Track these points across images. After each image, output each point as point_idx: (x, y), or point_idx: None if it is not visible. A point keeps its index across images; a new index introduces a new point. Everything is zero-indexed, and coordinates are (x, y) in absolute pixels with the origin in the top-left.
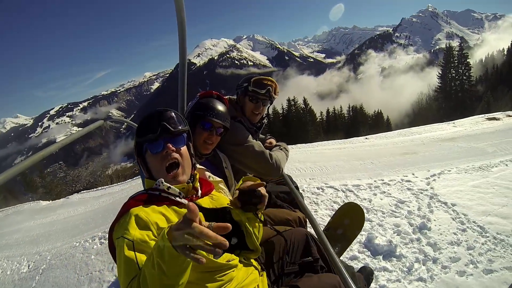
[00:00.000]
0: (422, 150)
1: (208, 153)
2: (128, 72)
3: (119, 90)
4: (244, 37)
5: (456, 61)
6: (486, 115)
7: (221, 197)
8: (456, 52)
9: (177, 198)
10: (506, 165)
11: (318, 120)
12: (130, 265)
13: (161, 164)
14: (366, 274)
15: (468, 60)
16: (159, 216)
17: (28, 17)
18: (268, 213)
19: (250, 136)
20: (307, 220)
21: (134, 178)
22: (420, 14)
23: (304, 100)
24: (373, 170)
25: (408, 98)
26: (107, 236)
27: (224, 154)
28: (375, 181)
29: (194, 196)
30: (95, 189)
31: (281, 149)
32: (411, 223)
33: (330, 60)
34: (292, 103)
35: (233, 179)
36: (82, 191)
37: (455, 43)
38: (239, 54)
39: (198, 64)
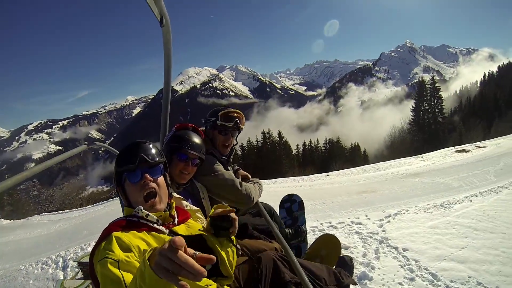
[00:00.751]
0: (382, 187)
1: (185, 183)
2: (111, 93)
3: (100, 111)
4: (227, 66)
5: (429, 95)
6: (456, 147)
7: (196, 225)
8: (429, 86)
9: (155, 225)
10: (471, 200)
11: (294, 153)
12: (117, 284)
13: (139, 193)
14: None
15: (440, 93)
16: (140, 241)
17: (13, 30)
18: (245, 243)
19: (221, 166)
20: (283, 251)
21: (101, 202)
22: (399, 49)
23: (279, 133)
24: (323, 211)
25: (387, 130)
26: (49, 261)
27: (201, 183)
28: (321, 223)
29: (170, 223)
30: (56, 212)
31: (254, 183)
32: None
33: (311, 93)
34: (267, 135)
35: (210, 208)
36: (43, 213)
37: (428, 77)
38: (221, 83)
39: (180, 92)
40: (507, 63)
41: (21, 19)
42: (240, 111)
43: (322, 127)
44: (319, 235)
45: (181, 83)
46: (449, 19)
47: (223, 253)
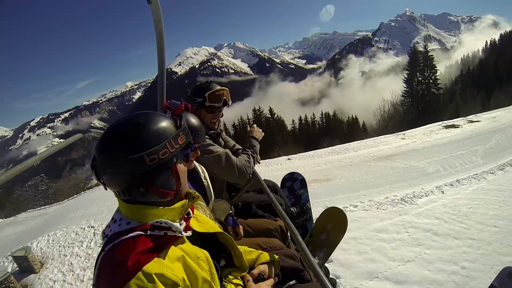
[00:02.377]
0: (341, 174)
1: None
2: (110, 82)
3: (101, 100)
4: (225, 44)
5: (421, 64)
6: (444, 122)
7: (206, 219)
8: (422, 56)
9: (182, 233)
10: (442, 192)
11: (289, 129)
12: None
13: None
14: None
15: (434, 63)
16: (180, 267)
17: (8, 28)
18: (249, 223)
19: (213, 144)
20: (287, 229)
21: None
22: (398, 19)
23: (270, 110)
24: None
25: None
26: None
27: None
28: None
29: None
30: (38, 208)
31: (248, 154)
32: None
33: (311, 66)
34: (258, 113)
35: (212, 190)
36: (28, 210)
37: (432, 46)
38: (220, 62)
39: (179, 73)
40: (510, 31)
41: (13, 13)
42: (224, 88)
43: (323, 100)
44: None
45: (180, 65)
46: None
47: (235, 249)
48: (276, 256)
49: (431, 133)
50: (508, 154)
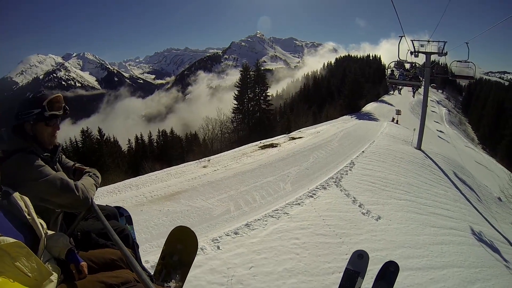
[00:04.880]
0: None
1: None
2: None
3: None
4: (74, 54)
5: (253, 82)
6: (263, 141)
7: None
8: (253, 73)
9: None
10: (218, 247)
11: (124, 150)
12: None
13: None
14: None
15: (265, 80)
16: None
17: None
18: (90, 256)
19: (47, 167)
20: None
21: None
22: (249, 39)
23: (99, 130)
24: None
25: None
26: None
27: (23, 194)
28: None
29: None
30: None
31: (91, 175)
32: None
33: (159, 81)
34: (87, 134)
35: (41, 226)
36: None
37: (278, 65)
38: (67, 74)
39: (20, 84)
40: (343, 56)
41: None
42: (59, 94)
43: (170, 115)
44: None
45: (22, 74)
46: (297, 15)
47: None
48: None
49: (242, 156)
50: (324, 173)
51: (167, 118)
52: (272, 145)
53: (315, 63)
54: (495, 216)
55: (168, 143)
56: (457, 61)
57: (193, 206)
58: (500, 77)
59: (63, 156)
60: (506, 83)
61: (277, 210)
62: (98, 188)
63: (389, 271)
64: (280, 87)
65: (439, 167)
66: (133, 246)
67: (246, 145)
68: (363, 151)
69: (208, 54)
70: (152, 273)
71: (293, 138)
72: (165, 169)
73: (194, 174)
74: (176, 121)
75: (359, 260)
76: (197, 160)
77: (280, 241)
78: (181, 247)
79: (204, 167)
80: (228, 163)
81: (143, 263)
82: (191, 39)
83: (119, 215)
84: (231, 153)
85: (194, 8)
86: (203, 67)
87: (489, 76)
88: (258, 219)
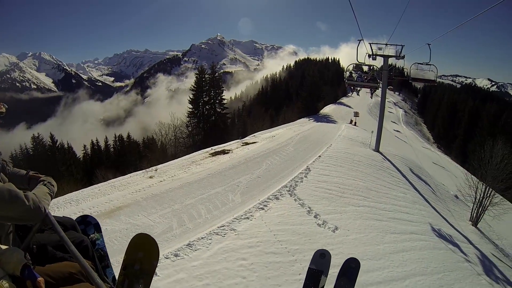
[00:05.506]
0: None
1: None
2: None
3: None
4: (30, 54)
5: (208, 85)
6: (214, 148)
7: None
8: (208, 76)
9: None
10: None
11: (79, 156)
12: None
13: None
14: None
15: (220, 83)
16: None
17: None
18: (47, 270)
19: None
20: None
21: None
22: (209, 42)
23: (51, 136)
24: None
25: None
26: None
27: None
28: None
29: None
30: None
31: (45, 184)
32: None
33: (119, 84)
34: (38, 140)
35: None
36: None
37: (238, 68)
38: (21, 74)
39: None
40: (302, 59)
41: None
42: None
43: (129, 119)
44: None
45: None
46: (259, 18)
47: None
48: None
49: (191, 165)
50: (277, 182)
51: (126, 122)
52: (224, 152)
53: (274, 65)
54: (453, 215)
55: (125, 148)
56: (418, 63)
57: (133, 223)
58: (452, 80)
59: (11, 165)
60: (458, 86)
61: (223, 226)
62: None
63: (351, 267)
64: (239, 90)
65: (397, 169)
66: (93, 257)
67: (196, 152)
68: (319, 156)
69: (168, 57)
70: (114, 285)
71: (247, 144)
72: (110, 181)
73: (139, 185)
74: (135, 125)
75: (321, 259)
76: (144, 170)
77: (225, 263)
78: (142, 255)
79: (150, 177)
80: (175, 173)
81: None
82: (151, 41)
83: (87, 223)
84: (180, 162)
85: (155, 9)
86: (162, 69)
87: (442, 79)
88: (202, 238)
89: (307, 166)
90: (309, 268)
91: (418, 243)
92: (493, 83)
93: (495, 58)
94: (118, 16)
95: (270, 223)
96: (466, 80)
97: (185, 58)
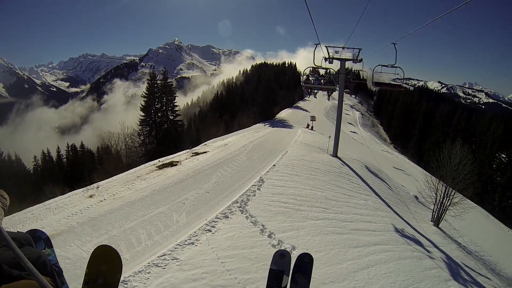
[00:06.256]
0: None
1: None
2: None
3: None
4: None
5: (159, 92)
6: (162, 159)
7: None
8: (160, 82)
9: None
10: None
11: (29, 168)
12: None
13: None
14: None
15: (172, 90)
16: None
17: None
18: None
19: None
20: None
21: None
22: (167, 46)
23: None
24: None
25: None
26: None
27: None
28: None
29: None
30: None
31: None
32: None
33: (74, 89)
34: None
35: None
36: None
37: (195, 73)
38: None
39: None
40: (259, 63)
41: None
42: None
43: (85, 126)
44: None
45: None
46: (217, 23)
47: None
48: None
49: (136, 180)
50: (227, 197)
51: (82, 129)
52: (171, 164)
53: (232, 70)
54: (415, 217)
55: (78, 158)
56: (382, 65)
57: (63, 256)
58: (405, 83)
59: None
60: (411, 88)
61: (164, 255)
62: None
63: (304, 262)
64: (195, 95)
65: (357, 174)
66: (53, 273)
67: (143, 165)
68: (274, 165)
69: (125, 61)
70: None
71: (197, 154)
72: (45, 202)
73: (76, 207)
74: (92, 133)
75: (281, 259)
76: (85, 188)
77: None
78: (105, 268)
79: (90, 196)
80: (118, 190)
81: None
82: (108, 45)
83: (36, 238)
84: (125, 176)
85: (112, 12)
86: (119, 74)
87: (396, 82)
88: (139, 271)
89: (261, 177)
90: (270, 269)
91: (384, 255)
92: (443, 85)
93: (445, 62)
94: (74, 17)
95: (217, 248)
96: (419, 82)
97: (142, 63)
